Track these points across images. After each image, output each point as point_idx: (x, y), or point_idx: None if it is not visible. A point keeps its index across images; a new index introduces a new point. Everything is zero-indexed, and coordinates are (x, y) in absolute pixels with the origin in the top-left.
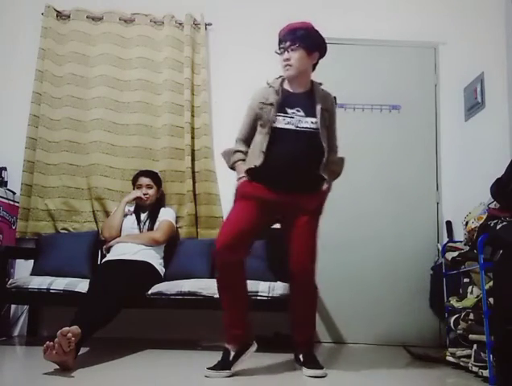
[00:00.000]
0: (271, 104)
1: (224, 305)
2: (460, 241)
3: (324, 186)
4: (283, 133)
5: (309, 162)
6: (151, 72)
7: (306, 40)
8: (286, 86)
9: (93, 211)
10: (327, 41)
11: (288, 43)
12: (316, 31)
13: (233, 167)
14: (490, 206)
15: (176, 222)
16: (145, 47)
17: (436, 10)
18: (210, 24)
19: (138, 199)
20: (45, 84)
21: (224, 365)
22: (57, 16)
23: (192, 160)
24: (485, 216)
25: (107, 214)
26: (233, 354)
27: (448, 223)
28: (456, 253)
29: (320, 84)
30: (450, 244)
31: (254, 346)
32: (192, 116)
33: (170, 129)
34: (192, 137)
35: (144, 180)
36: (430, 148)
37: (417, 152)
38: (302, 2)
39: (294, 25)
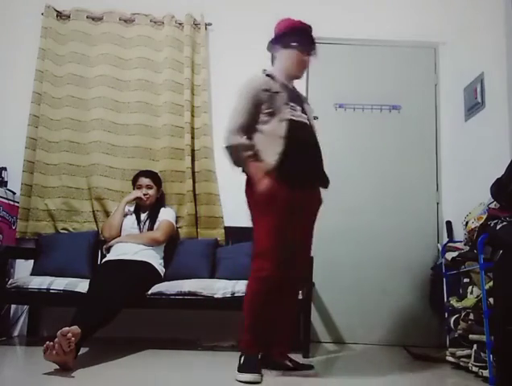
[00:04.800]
0: (277, 93)
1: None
2: (460, 241)
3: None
4: (294, 124)
5: (319, 155)
6: (151, 72)
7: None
8: (280, 79)
9: (93, 211)
10: (327, 41)
11: (312, 47)
12: None
13: (240, 164)
14: (490, 206)
15: (176, 222)
16: (145, 47)
17: (436, 10)
18: (210, 24)
19: (138, 199)
20: (45, 84)
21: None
22: (57, 16)
23: (192, 160)
24: (485, 216)
25: (107, 214)
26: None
27: (448, 223)
28: (456, 253)
29: None
30: (450, 244)
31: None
32: (192, 116)
33: (170, 129)
34: (192, 137)
35: (144, 180)
36: (430, 148)
37: (417, 152)
38: (302, 2)
39: (308, 27)
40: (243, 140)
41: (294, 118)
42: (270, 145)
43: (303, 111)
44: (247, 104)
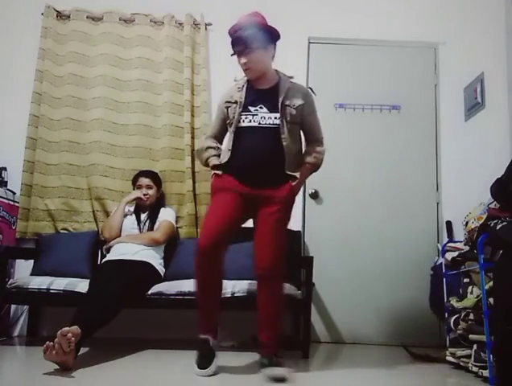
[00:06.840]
0: (236, 103)
1: (202, 300)
2: (460, 241)
3: (293, 182)
4: (247, 131)
5: (272, 157)
6: (151, 72)
7: (258, 39)
8: (252, 82)
9: (93, 211)
10: (327, 41)
11: (242, 48)
12: (265, 23)
13: (207, 164)
14: (490, 206)
15: (176, 222)
16: (145, 47)
17: (436, 10)
18: (210, 24)
19: (138, 199)
20: (45, 84)
21: (209, 357)
22: (57, 16)
23: (192, 160)
24: (485, 216)
25: (107, 214)
26: (212, 341)
27: (448, 223)
28: (456, 253)
29: (291, 77)
30: (450, 244)
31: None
32: (192, 116)
33: (170, 129)
34: (192, 137)
35: (144, 180)
36: (430, 148)
37: (417, 152)
38: (302, 2)
39: (241, 24)
40: (207, 143)
41: (243, 125)
42: (223, 153)
43: (274, 109)
44: (216, 116)
